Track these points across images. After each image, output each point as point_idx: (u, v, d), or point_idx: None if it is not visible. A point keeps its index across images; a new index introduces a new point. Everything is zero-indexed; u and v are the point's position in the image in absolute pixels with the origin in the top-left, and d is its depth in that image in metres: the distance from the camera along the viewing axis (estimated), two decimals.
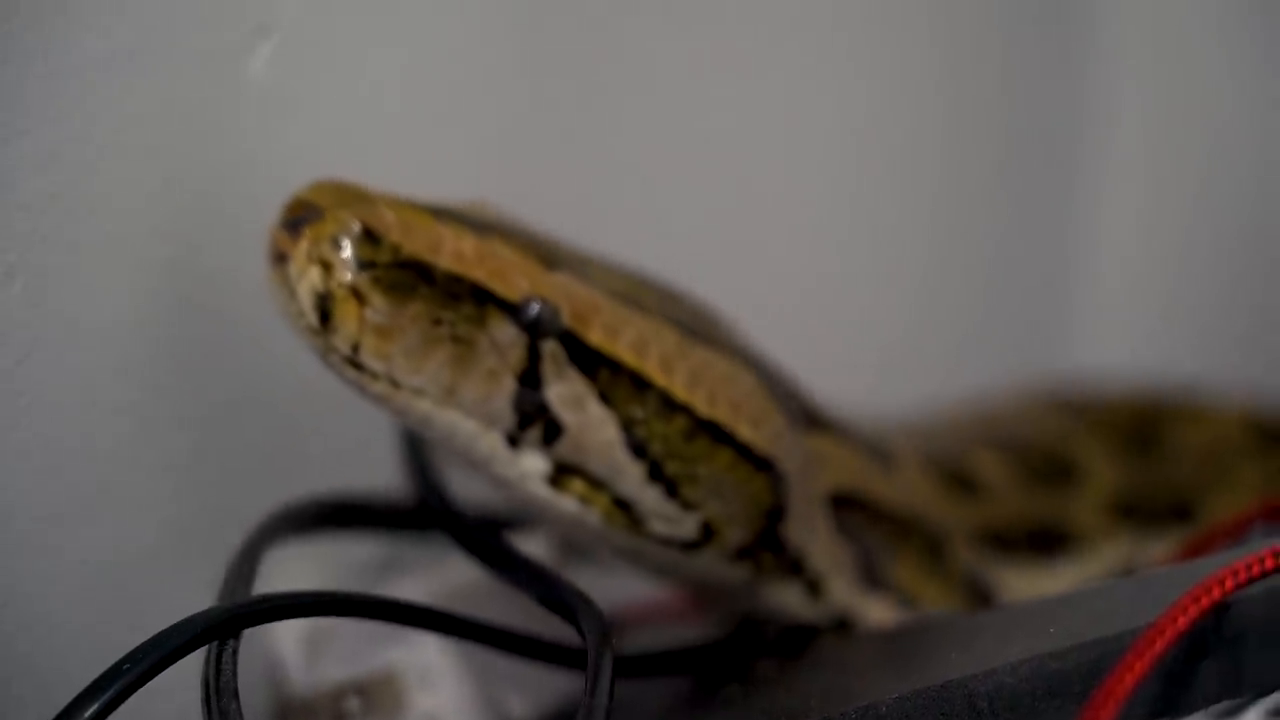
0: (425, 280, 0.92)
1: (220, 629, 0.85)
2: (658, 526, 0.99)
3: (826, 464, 1.08)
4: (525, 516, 1.12)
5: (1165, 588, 0.82)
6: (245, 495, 1.06)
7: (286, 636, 1.06)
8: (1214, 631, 0.79)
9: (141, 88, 1.01)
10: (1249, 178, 1.88)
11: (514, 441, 0.96)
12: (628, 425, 0.96)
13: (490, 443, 0.95)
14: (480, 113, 1.25)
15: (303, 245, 0.91)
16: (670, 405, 0.97)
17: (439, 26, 1.21)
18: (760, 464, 1.00)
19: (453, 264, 0.93)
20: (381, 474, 1.13)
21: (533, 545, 1.12)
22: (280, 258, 0.92)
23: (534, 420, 0.95)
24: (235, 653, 0.85)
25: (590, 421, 0.96)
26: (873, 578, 1.10)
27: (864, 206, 1.63)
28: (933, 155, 1.71)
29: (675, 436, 0.97)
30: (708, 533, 1.00)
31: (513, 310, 0.94)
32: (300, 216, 0.91)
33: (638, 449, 0.97)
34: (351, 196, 0.92)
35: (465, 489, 1.05)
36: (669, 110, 1.42)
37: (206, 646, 0.85)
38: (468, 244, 0.94)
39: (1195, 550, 1.09)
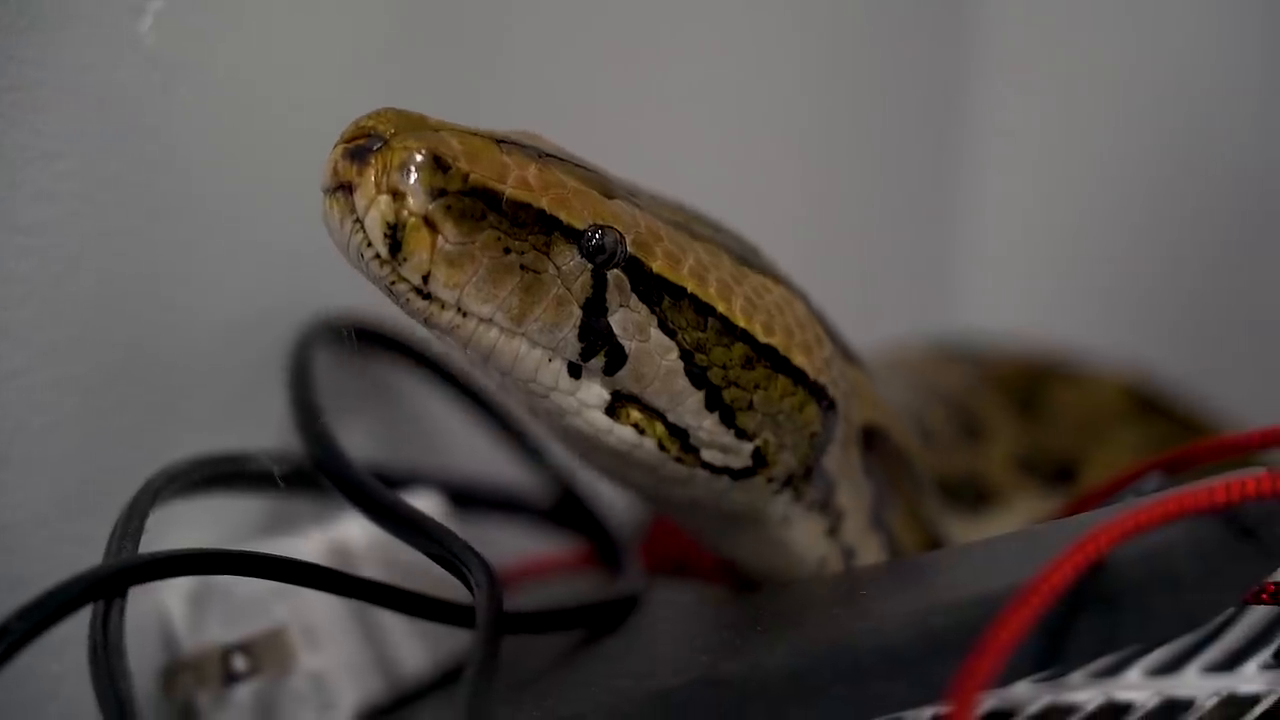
0: (493, 208, 0.90)
1: (107, 586, 0.85)
2: (712, 455, 0.98)
3: (860, 397, 1.08)
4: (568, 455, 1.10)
5: (1049, 544, 0.83)
6: (132, 455, 1.06)
7: (174, 595, 1.06)
8: (1091, 589, 0.80)
9: (29, 49, 0.99)
10: (1140, 144, 1.91)
11: (576, 371, 0.95)
12: (688, 352, 0.96)
13: (553, 372, 0.94)
14: (376, 70, 1.24)
15: (370, 174, 0.88)
16: (730, 332, 0.97)
17: None
18: (813, 391, 1.00)
19: (519, 192, 0.91)
20: (269, 434, 1.13)
21: (424, 502, 1.12)
22: (343, 187, 0.89)
23: (597, 349, 0.94)
24: (122, 611, 0.85)
25: (652, 349, 0.95)
26: (878, 518, 1.11)
27: (748, 170, 1.64)
28: (819, 120, 1.72)
29: (735, 363, 0.97)
30: (759, 460, 1.00)
31: (578, 238, 0.93)
32: (364, 145, 0.89)
33: (697, 376, 0.96)
34: (415, 123, 0.90)
35: (355, 445, 1.05)
36: (558, 84, 1.43)
37: (94, 604, 0.85)
38: (531, 172, 0.92)
39: (1076, 510, 1.11)
